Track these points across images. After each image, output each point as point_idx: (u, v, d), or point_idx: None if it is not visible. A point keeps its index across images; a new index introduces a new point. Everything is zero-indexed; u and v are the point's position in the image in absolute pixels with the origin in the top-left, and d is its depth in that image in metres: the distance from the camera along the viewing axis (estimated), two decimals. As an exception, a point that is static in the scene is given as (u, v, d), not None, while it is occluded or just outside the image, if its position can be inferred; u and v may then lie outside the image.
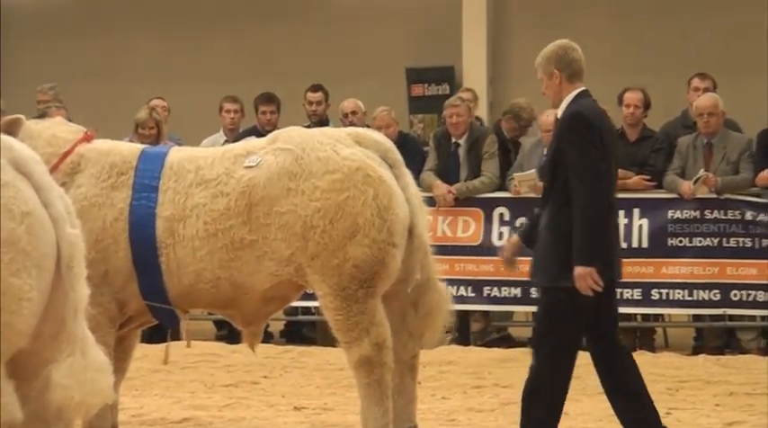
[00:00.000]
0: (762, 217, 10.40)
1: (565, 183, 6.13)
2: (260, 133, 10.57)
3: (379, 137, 6.66)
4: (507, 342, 11.15)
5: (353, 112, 11.79)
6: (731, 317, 10.56)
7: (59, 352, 4.61)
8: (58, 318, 4.63)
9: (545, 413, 6.23)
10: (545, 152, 11.10)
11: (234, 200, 6.34)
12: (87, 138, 6.72)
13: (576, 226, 6.04)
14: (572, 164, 6.10)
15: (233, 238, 6.33)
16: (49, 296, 4.62)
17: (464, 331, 11.13)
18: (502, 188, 11.11)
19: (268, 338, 11.18)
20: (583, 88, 6.34)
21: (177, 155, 6.61)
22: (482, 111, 14.13)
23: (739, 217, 10.45)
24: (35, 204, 4.61)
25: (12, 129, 6.31)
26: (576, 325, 6.20)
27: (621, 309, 10.74)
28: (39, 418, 4.72)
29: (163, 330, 7.11)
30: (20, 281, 4.50)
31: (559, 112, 6.34)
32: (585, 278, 6.02)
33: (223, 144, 10.41)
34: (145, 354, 8.57)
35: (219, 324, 11.29)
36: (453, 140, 11.28)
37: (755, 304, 10.38)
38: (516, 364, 9.82)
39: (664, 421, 7.55)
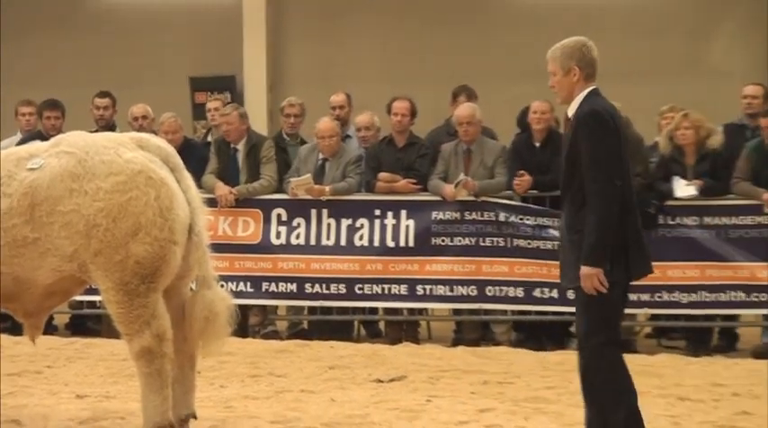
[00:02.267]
0: (513, 218, 10.67)
1: (582, 183, 5.92)
2: (44, 137, 10.12)
3: (160, 142, 6.68)
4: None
5: (144, 117, 11.88)
6: (486, 312, 10.82)
7: None
8: None
9: (620, 413, 5.95)
10: (320, 157, 11.24)
11: (16, 200, 6.31)
12: None
13: (588, 225, 5.85)
14: (588, 164, 5.87)
15: (15, 236, 6.31)
16: None
17: (243, 324, 11.39)
18: (280, 190, 11.26)
19: (53, 330, 11.10)
20: (595, 86, 6.06)
21: None
22: (262, 117, 14.27)
23: (494, 218, 10.70)
24: None
25: None
26: (611, 320, 5.99)
27: (389, 304, 10.92)
28: None
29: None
30: None
31: (570, 110, 6.09)
32: (591, 278, 5.85)
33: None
34: None
35: (2, 316, 11.22)
36: (232, 146, 11.42)
37: (507, 299, 10.71)
38: (291, 355, 9.99)
39: (424, 408, 7.68)
